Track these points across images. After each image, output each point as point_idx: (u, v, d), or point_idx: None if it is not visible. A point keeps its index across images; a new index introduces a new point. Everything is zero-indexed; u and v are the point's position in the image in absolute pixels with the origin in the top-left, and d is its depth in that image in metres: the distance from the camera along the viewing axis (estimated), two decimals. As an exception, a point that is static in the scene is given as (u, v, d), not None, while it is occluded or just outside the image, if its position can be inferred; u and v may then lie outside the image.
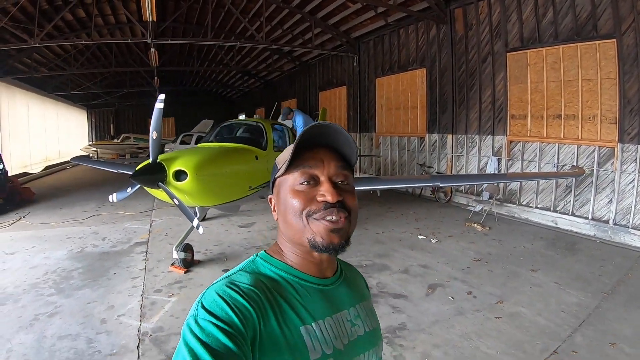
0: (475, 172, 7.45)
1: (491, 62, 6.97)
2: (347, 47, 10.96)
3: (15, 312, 3.31)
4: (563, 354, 2.66)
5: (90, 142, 21.31)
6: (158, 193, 3.57)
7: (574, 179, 5.65)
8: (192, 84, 22.86)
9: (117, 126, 24.51)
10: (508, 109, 6.76)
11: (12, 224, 6.53)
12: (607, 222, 5.35)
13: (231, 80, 21.67)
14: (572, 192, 5.80)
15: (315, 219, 0.67)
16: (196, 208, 4.36)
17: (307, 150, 0.71)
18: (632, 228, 5.04)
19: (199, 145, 5.14)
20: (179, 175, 3.49)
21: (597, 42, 5.33)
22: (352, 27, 10.29)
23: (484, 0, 6.99)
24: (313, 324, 0.64)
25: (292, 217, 0.69)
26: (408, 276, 4.09)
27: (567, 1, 5.64)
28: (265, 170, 4.77)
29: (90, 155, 18.17)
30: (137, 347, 2.81)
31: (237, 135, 5.42)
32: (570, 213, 5.83)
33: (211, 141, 5.07)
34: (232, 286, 0.61)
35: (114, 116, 24.77)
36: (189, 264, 4.34)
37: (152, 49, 10.63)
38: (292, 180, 0.70)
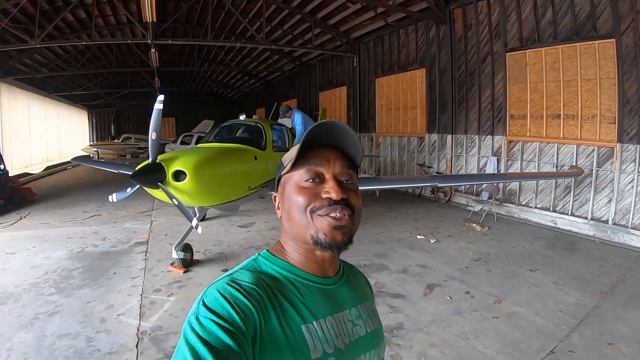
0: (474, 172, 7.46)
1: (490, 62, 6.98)
2: (347, 48, 10.97)
3: (15, 311, 3.33)
4: (560, 354, 2.67)
5: (91, 143, 21.37)
6: (157, 193, 3.59)
7: (573, 179, 5.66)
8: (193, 84, 22.89)
9: (118, 126, 24.55)
10: (507, 109, 6.76)
11: (13, 224, 6.56)
12: (607, 222, 5.35)
13: (232, 81, 21.70)
14: (572, 192, 5.81)
15: (319, 215, 0.67)
16: (195, 208, 4.38)
17: (313, 149, 0.71)
18: (631, 228, 5.04)
19: (199, 145, 5.16)
20: (178, 175, 3.50)
21: (596, 42, 5.33)
22: (352, 27, 10.30)
23: (483, 0, 7.00)
24: (314, 322, 0.64)
25: (296, 213, 0.69)
26: (406, 276, 4.10)
27: (566, 1, 5.64)
28: (264, 170, 4.78)
29: (91, 155, 18.20)
30: (136, 345, 2.82)
31: (237, 135, 5.43)
32: (569, 213, 5.83)
33: (210, 141, 5.09)
34: (233, 284, 0.62)
35: (114, 116, 24.81)
36: (188, 263, 4.35)
37: (153, 50, 10.66)
38: (298, 177, 0.71)
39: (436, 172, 8.21)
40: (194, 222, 3.51)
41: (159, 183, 3.41)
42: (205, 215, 6.46)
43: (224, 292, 0.60)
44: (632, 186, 5.07)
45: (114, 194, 4.03)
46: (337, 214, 0.67)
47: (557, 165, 6.01)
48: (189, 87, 22.80)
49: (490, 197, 6.68)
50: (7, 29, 8.41)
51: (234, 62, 15.00)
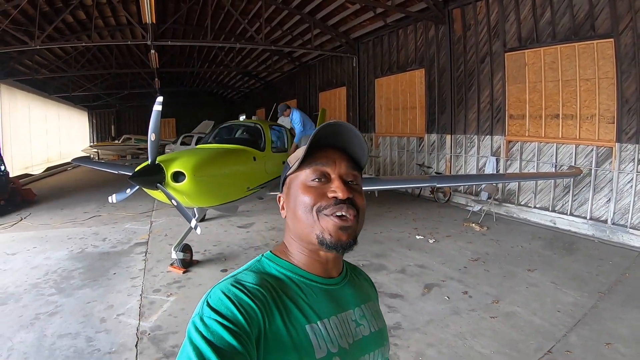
0: (473, 172, 7.46)
1: (489, 62, 6.99)
2: (347, 48, 10.99)
3: (16, 312, 3.35)
4: (557, 354, 2.68)
5: (91, 144, 21.39)
6: (157, 194, 3.61)
7: (572, 179, 5.66)
8: (193, 85, 22.91)
9: (118, 127, 24.58)
10: (506, 109, 6.77)
11: (13, 224, 6.58)
12: (606, 221, 5.36)
13: (231, 81, 21.72)
14: (571, 191, 5.81)
15: (325, 214, 0.68)
16: (195, 209, 4.39)
17: (319, 149, 0.72)
18: (630, 227, 5.05)
19: (198, 146, 5.18)
20: (177, 176, 3.52)
21: (595, 41, 5.33)
22: (351, 27, 10.32)
23: (482, 0, 7.01)
24: (318, 322, 0.65)
25: (302, 212, 0.69)
26: (405, 276, 4.11)
27: (564, 1, 5.64)
28: (263, 171, 4.79)
29: (91, 156, 18.23)
30: (136, 345, 2.83)
31: (236, 136, 5.45)
32: (568, 213, 5.84)
33: (210, 142, 5.10)
34: (237, 285, 0.62)
35: (114, 117, 24.85)
36: (187, 264, 4.36)
37: (152, 51, 10.68)
38: (304, 177, 0.71)
39: (435, 172, 8.22)
40: (193, 222, 3.53)
41: (158, 184, 3.43)
42: (204, 215, 6.47)
43: (228, 293, 0.60)
44: (631, 186, 5.08)
45: (114, 195, 4.05)
46: (343, 213, 0.67)
47: (556, 165, 6.01)
48: (189, 88, 22.82)
49: (489, 197, 6.68)
50: (7, 30, 8.45)
51: (234, 63, 15.02)
